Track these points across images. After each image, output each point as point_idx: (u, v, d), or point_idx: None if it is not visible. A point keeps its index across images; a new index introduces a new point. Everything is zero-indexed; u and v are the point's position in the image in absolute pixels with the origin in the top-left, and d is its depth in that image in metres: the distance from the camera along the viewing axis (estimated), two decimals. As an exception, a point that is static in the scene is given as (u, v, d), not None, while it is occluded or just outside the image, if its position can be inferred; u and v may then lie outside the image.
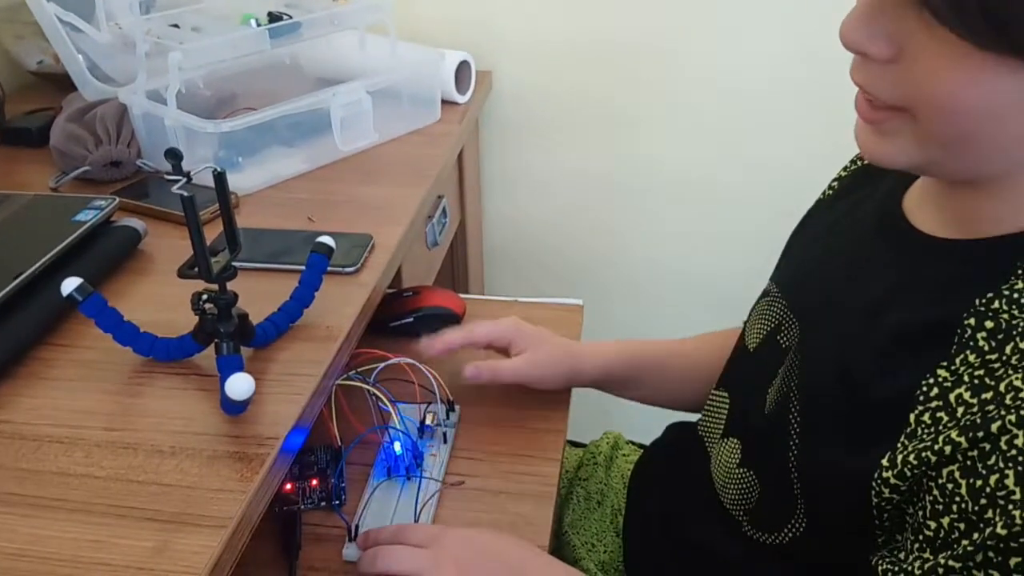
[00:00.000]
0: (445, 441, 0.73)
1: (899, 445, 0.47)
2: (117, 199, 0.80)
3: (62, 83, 1.06)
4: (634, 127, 1.28)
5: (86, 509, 0.50)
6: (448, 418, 0.75)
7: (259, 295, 0.68)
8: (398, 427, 0.70)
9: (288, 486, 0.68)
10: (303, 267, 0.68)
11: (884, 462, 0.47)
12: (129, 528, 0.49)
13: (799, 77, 1.19)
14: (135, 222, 0.80)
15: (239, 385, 0.53)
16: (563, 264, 1.41)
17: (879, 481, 0.47)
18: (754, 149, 1.26)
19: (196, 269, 0.57)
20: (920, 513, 0.46)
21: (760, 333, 0.65)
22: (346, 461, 0.71)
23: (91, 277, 0.72)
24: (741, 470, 0.62)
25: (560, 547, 0.78)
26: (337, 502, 0.67)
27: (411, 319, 0.87)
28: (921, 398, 0.47)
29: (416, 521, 0.64)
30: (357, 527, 0.64)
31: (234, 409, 0.56)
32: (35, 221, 0.78)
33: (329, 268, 0.69)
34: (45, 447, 0.55)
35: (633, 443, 0.88)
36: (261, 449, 0.55)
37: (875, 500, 0.47)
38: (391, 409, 0.71)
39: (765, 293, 0.68)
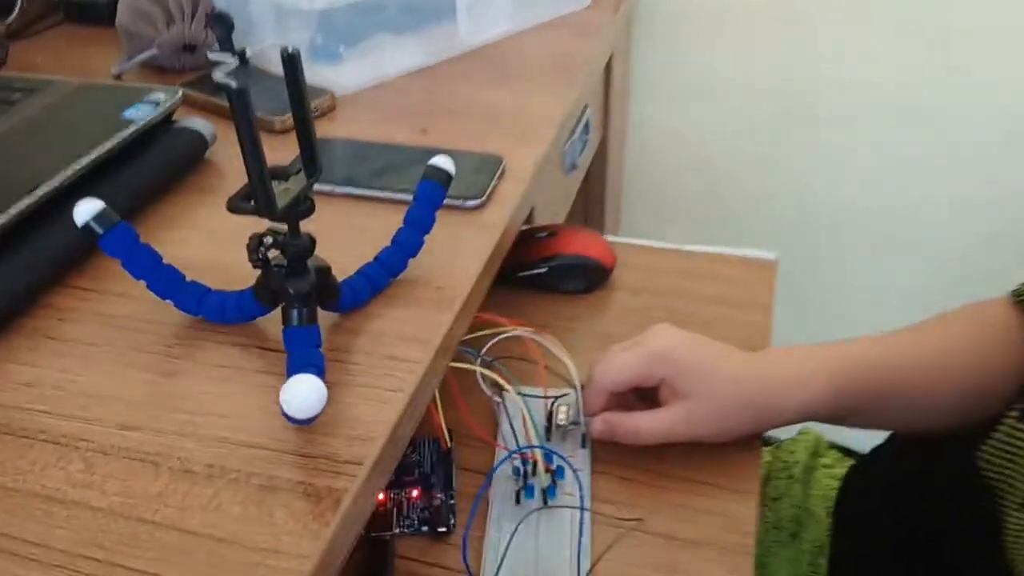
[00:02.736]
0: (583, 445, 0.53)
1: None
2: (181, 91, 0.62)
3: (138, -51, 0.88)
4: (835, 33, 1.00)
5: (70, 565, 0.33)
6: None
7: (347, 234, 0.49)
8: (527, 425, 0.51)
9: (379, 496, 0.50)
10: (409, 196, 0.49)
11: None
12: (128, 607, 0.32)
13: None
14: (201, 123, 0.61)
15: (302, 398, 0.34)
16: (721, 201, 1.17)
17: None
18: (980, 62, 0.97)
19: (252, 201, 0.38)
20: None
21: None
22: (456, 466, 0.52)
23: (134, 196, 0.55)
24: None
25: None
26: (444, 529, 0.49)
27: (544, 269, 0.67)
28: None
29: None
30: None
31: (297, 422, 0.37)
32: (75, 116, 0.60)
33: (446, 201, 0.49)
34: (38, 448, 0.38)
35: (838, 448, 0.67)
36: (337, 481, 0.37)
37: None
38: (518, 402, 0.52)
39: None
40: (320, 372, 0.41)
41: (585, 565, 0.46)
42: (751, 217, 1.16)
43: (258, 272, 0.43)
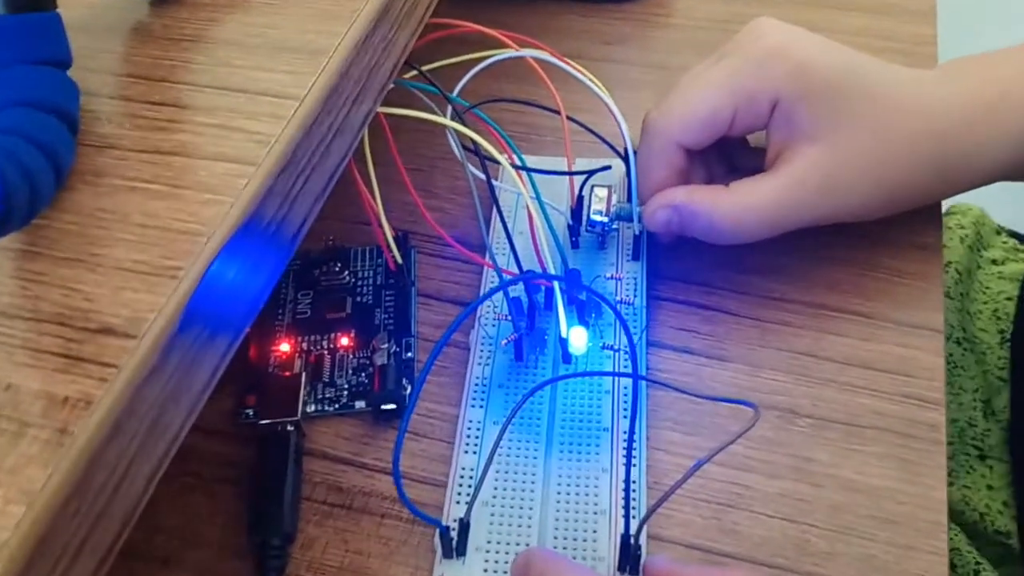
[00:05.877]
0: (635, 257, 0.31)
1: None
2: None
3: None
4: None
5: None
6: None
7: None
8: (536, 226, 0.28)
9: (285, 345, 0.29)
10: None
11: None
12: None
13: None
14: None
15: None
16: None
17: None
18: None
19: None
20: None
21: None
22: (417, 295, 0.31)
23: None
24: None
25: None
26: (393, 405, 0.28)
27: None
28: None
29: (630, 513, 0.23)
30: (465, 523, 0.24)
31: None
32: None
33: None
34: None
35: (1012, 233, 0.45)
36: (76, 381, 0.15)
37: None
38: (521, 185, 0.29)
39: None
40: (62, 116, 0.18)
41: (641, 498, 0.25)
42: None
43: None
